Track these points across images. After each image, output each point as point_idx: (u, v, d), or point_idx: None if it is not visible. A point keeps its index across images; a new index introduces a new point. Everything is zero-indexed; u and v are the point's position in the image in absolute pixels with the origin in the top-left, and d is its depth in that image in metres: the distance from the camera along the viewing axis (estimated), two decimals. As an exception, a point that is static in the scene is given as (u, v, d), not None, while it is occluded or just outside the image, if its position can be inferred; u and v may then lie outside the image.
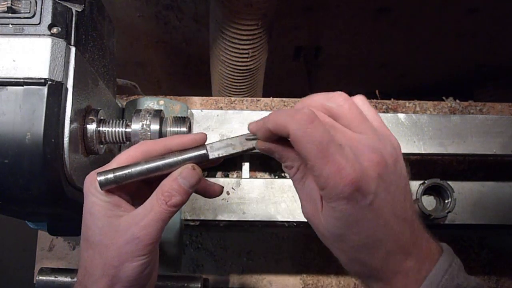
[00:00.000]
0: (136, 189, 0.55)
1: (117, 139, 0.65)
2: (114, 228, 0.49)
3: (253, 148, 0.51)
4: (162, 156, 0.52)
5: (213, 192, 0.58)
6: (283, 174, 0.91)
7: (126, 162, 0.51)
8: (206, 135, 0.54)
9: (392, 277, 0.46)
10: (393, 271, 0.46)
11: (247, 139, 0.51)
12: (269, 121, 0.46)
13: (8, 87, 0.53)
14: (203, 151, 0.52)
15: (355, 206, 0.43)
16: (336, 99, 0.46)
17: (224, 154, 0.52)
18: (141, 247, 0.49)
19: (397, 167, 0.45)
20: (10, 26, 0.55)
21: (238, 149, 0.52)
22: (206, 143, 0.53)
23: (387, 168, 0.44)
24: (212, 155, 0.52)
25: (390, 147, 0.45)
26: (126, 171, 0.50)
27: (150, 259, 0.50)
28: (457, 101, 0.96)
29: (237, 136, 0.52)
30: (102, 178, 0.50)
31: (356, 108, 0.46)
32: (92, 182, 0.51)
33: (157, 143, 0.53)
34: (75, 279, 0.74)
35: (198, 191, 0.57)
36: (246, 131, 0.52)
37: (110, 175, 0.50)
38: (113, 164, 0.52)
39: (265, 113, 0.84)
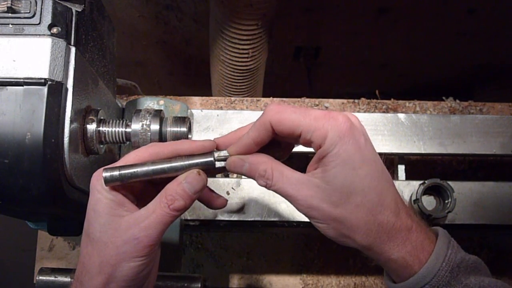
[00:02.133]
0: (141, 190, 0.55)
1: (117, 139, 0.65)
2: (115, 227, 0.49)
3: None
4: (170, 159, 0.53)
5: (217, 204, 0.58)
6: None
7: (134, 162, 0.52)
8: (215, 143, 0.55)
9: (407, 234, 0.48)
10: (406, 227, 0.48)
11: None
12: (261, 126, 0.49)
13: (8, 87, 0.53)
14: (210, 159, 0.52)
15: (356, 144, 0.47)
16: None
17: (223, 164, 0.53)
18: (140, 248, 0.49)
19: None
20: (10, 26, 0.55)
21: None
22: (214, 151, 0.53)
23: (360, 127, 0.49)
24: (219, 163, 0.52)
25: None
26: (131, 170, 0.51)
27: (148, 260, 0.50)
28: (457, 101, 0.96)
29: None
30: (107, 174, 0.50)
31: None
32: (99, 178, 0.51)
33: (166, 146, 0.54)
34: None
35: (202, 200, 0.58)
36: None
37: (116, 173, 0.50)
38: (121, 162, 0.52)
39: (265, 113, 0.84)
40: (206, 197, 0.58)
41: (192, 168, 0.52)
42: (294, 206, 0.50)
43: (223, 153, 0.53)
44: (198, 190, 0.51)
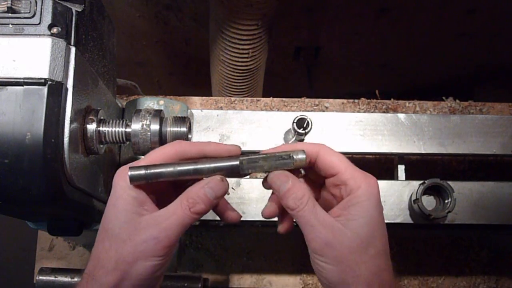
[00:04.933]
0: (163, 190, 0.55)
1: (117, 139, 0.65)
2: (135, 225, 0.50)
3: (289, 169, 0.53)
4: (195, 160, 0.53)
5: (231, 218, 0.58)
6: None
7: (160, 159, 0.53)
8: (240, 148, 0.56)
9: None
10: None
11: (283, 158, 0.53)
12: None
13: (8, 87, 0.53)
14: (236, 163, 0.53)
15: (379, 207, 0.52)
16: None
17: (256, 171, 0.53)
18: (159, 248, 0.49)
19: None
20: (10, 26, 0.55)
21: (270, 168, 0.53)
22: (240, 157, 0.53)
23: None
24: (244, 169, 0.53)
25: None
26: (157, 170, 0.51)
27: (164, 261, 0.51)
28: (457, 101, 0.96)
29: (272, 154, 0.53)
30: (133, 173, 0.51)
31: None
32: (122, 175, 0.52)
33: (193, 146, 0.55)
34: (75, 279, 0.75)
35: (218, 210, 0.58)
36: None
37: (142, 172, 0.51)
38: (147, 159, 0.53)
39: (265, 113, 0.84)
40: (222, 208, 0.58)
41: (218, 172, 0.53)
42: (308, 240, 0.50)
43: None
44: (219, 195, 0.52)
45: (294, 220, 0.57)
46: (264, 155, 0.53)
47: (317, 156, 0.54)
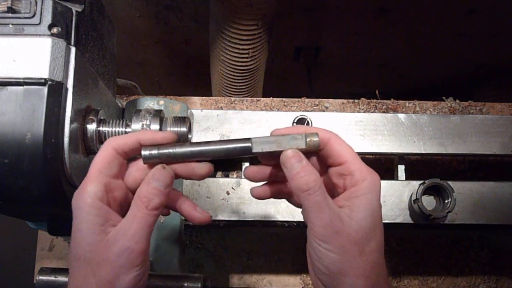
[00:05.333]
0: (124, 198, 0.54)
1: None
2: (104, 243, 0.49)
3: (302, 149, 0.52)
4: (207, 141, 0.53)
5: (199, 219, 0.57)
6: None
7: (102, 164, 0.51)
8: (176, 135, 0.55)
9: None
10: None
11: (296, 139, 0.52)
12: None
13: (8, 87, 0.53)
14: (248, 144, 0.52)
15: (379, 202, 0.52)
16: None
17: (268, 150, 0.52)
18: (134, 257, 0.49)
19: None
20: (10, 26, 0.55)
21: (283, 147, 0.52)
22: (252, 137, 0.53)
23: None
24: (256, 148, 0.52)
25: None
26: (170, 150, 0.52)
27: (144, 269, 0.50)
28: (457, 101, 0.96)
29: (285, 134, 0.53)
30: (146, 152, 0.51)
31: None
32: (79, 197, 0.50)
33: (128, 138, 0.53)
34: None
35: (183, 213, 0.57)
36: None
37: (154, 151, 0.51)
38: (92, 170, 0.51)
39: (265, 113, 0.84)
40: (187, 210, 0.57)
41: (231, 152, 0.53)
42: (315, 225, 0.50)
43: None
44: (168, 183, 0.52)
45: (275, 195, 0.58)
46: (276, 136, 0.53)
47: (328, 142, 0.53)
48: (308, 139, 0.52)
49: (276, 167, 0.56)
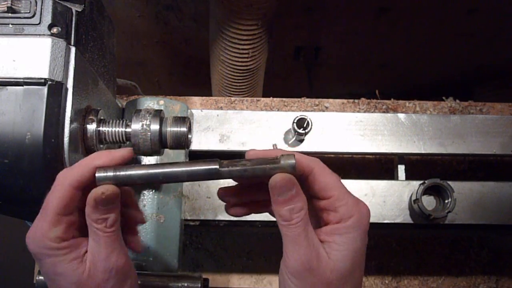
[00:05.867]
0: (80, 218, 0.51)
1: (117, 139, 0.65)
2: (87, 275, 0.47)
3: (271, 175, 0.46)
4: (170, 162, 0.49)
5: (135, 219, 0.55)
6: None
7: (60, 205, 0.47)
8: (131, 150, 0.51)
9: None
10: None
11: (268, 162, 0.47)
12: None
13: (8, 87, 0.53)
14: (215, 166, 0.48)
15: (364, 240, 0.48)
16: None
17: (238, 175, 0.48)
18: (120, 273, 0.48)
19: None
20: (10, 26, 0.55)
21: (255, 173, 0.47)
22: (220, 161, 0.48)
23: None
24: (225, 173, 0.48)
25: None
26: (127, 172, 0.48)
27: (133, 275, 0.50)
28: (457, 101, 0.96)
29: (256, 158, 0.48)
30: (101, 174, 0.47)
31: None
32: (41, 243, 0.46)
33: (84, 167, 0.48)
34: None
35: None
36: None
37: (110, 173, 0.48)
38: (50, 212, 0.47)
39: (265, 113, 0.84)
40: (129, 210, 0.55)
41: (194, 177, 0.48)
42: (289, 258, 0.47)
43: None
44: (115, 200, 0.48)
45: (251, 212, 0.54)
46: (248, 159, 0.48)
47: (311, 173, 0.48)
48: (282, 162, 0.46)
49: (254, 188, 0.53)
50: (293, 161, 0.46)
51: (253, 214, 0.79)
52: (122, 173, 0.48)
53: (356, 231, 0.47)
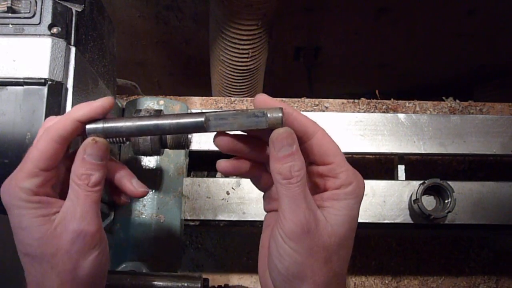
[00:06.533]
0: (58, 177, 0.50)
1: (117, 139, 0.65)
2: (52, 233, 0.46)
3: (262, 128, 0.45)
4: (157, 115, 0.49)
5: (132, 194, 0.55)
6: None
7: (41, 158, 0.46)
8: (113, 98, 0.50)
9: None
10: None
11: (255, 116, 0.45)
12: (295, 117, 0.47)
13: (8, 87, 0.53)
14: (201, 119, 0.47)
15: (358, 210, 0.48)
16: None
17: (223, 129, 0.47)
18: (89, 239, 0.46)
19: None
20: (10, 26, 0.55)
21: (242, 127, 0.46)
22: (208, 112, 0.47)
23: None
24: (211, 127, 0.47)
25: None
26: (115, 124, 0.48)
27: (103, 246, 0.48)
28: (457, 101, 0.96)
29: (243, 110, 0.46)
30: (91, 126, 0.47)
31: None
32: (12, 192, 0.46)
33: (65, 120, 0.47)
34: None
35: (119, 187, 0.55)
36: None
37: (99, 125, 0.47)
38: (28, 163, 0.46)
39: (265, 113, 0.84)
40: (123, 183, 0.54)
41: (181, 129, 0.47)
42: (286, 220, 0.45)
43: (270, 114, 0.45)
44: (104, 155, 0.47)
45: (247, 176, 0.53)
46: (233, 111, 0.46)
47: (314, 137, 0.48)
48: (269, 116, 0.45)
49: (249, 142, 0.51)
50: (279, 114, 0.45)
51: (253, 214, 0.79)
52: (112, 124, 0.47)
53: (355, 198, 0.47)
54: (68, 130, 0.47)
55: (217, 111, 0.47)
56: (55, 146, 0.46)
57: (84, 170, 0.46)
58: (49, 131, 0.47)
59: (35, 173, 0.46)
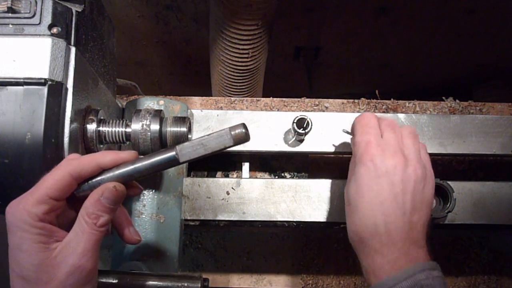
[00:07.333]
0: (62, 209, 0.52)
1: (117, 139, 0.65)
2: (51, 262, 0.47)
3: (230, 146, 0.50)
4: (132, 161, 0.53)
5: (128, 239, 0.57)
6: (283, 174, 0.91)
7: (54, 188, 0.48)
8: (137, 153, 0.55)
9: (373, 254, 0.57)
10: (375, 249, 0.57)
11: (220, 136, 0.50)
12: None
13: (8, 87, 0.53)
14: (172, 153, 0.52)
15: (369, 173, 0.60)
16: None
17: (196, 156, 0.51)
18: (85, 276, 0.47)
19: (421, 181, 0.62)
20: (10, 26, 0.55)
21: (211, 149, 0.51)
22: (176, 147, 0.52)
23: (407, 169, 0.61)
24: (184, 158, 0.51)
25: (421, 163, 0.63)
26: (99, 178, 0.52)
27: (93, 284, 0.49)
28: (457, 101, 0.96)
29: (212, 134, 0.51)
30: (79, 191, 0.52)
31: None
32: (19, 214, 0.47)
33: (87, 162, 0.51)
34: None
35: (117, 227, 0.57)
36: None
37: (85, 185, 0.52)
38: (41, 191, 0.48)
39: (265, 113, 0.84)
40: (122, 226, 0.57)
41: (157, 167, 0.52)
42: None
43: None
44: (118, 201, 0.51)
45: None
46: (200, 138, 0.51)
47: None
48: (233, 133, 0.49)
49: None
50: (242, 130, 0.50)
51: (253, 214, 0.79)
52: (95, 181, 0.52)
53: (358, 164, 0.65)
54: (88, 171, 0.51)
55: (184, 143, 0.51)
56: (70, 180, 0.49)
57: (96, 210, 0.49)
58: (70, 164, 0.50)
59: (44, 200, 0.48)
